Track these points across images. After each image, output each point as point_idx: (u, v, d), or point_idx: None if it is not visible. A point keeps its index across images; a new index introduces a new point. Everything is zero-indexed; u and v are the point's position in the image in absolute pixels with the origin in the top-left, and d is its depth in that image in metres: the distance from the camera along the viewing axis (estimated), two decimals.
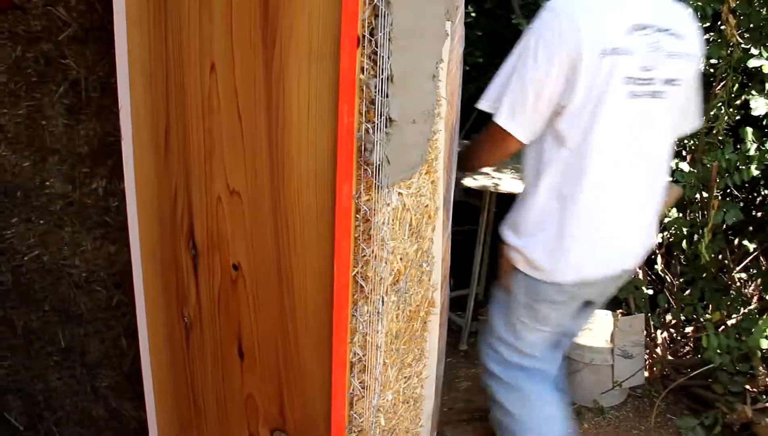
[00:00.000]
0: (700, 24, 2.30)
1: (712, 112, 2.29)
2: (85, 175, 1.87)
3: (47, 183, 1.94)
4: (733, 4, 2.11)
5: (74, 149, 1.87)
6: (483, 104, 1.66)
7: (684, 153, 2.60)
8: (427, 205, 1.51)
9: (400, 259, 1.34)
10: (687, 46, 1.62)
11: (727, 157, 2.13)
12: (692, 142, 2.41)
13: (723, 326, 2.39)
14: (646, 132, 1.62)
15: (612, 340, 2.54)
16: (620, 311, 2.66)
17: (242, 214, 1.20)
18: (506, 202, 1.99)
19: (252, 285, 1.23)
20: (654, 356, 2.67)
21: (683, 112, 1.72)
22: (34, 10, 1.81)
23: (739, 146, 2.27)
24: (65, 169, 1.90)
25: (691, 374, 2.41)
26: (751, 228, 2.69)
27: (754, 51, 2.22)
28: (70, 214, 1.93)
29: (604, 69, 1.49)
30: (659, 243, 2.66)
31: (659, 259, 2.69)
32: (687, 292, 2.55)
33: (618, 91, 1.53)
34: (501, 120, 1.60)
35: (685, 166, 2.41)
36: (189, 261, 1.28)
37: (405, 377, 1.56)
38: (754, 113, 2.24)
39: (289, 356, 1.24)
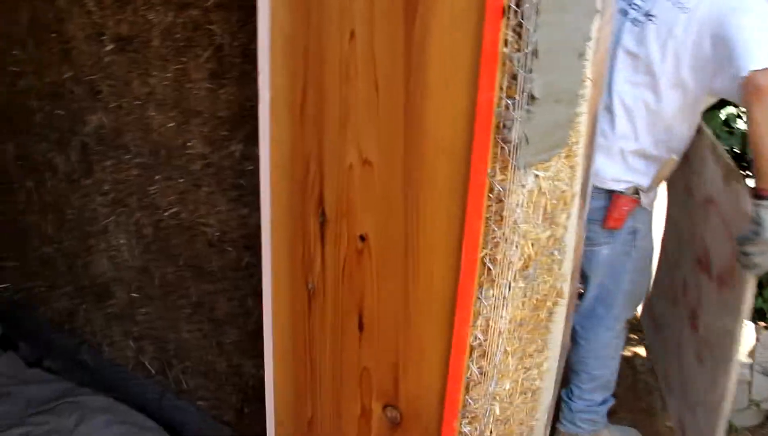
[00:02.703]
0: None
1: None
2: (223, 138, 1.93)
3: (189, 144, 2.02)
4: None
5: (215, 113, 1.93)
6: None
7: None
8: (564, 191, 1.43)
9: (532, 244, 1.28)
10: None
11: None
12: None
13: None
14: None
15: (752, 355, 2.33)
16: (763, 323, 2.44)
17: (373, 184, 1.19)
18: None
19: (377, 257, 1.22)
20: None
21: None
22: None
23: None
24: (206, 131, 1.97)
25: None
26: None
27: None
28: (208, 175, 2.01)
29: None
30: None
31: None
32: None
33: None
34: None
35: None
36: (317, 228, 1.29)
37: (525, 368, 1.50)
38: None
39: (409, 333, 1.23)
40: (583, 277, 2.14)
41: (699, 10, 1.83)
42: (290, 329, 1.40)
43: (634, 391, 2.71)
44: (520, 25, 1.05)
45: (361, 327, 1.29)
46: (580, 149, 1.51)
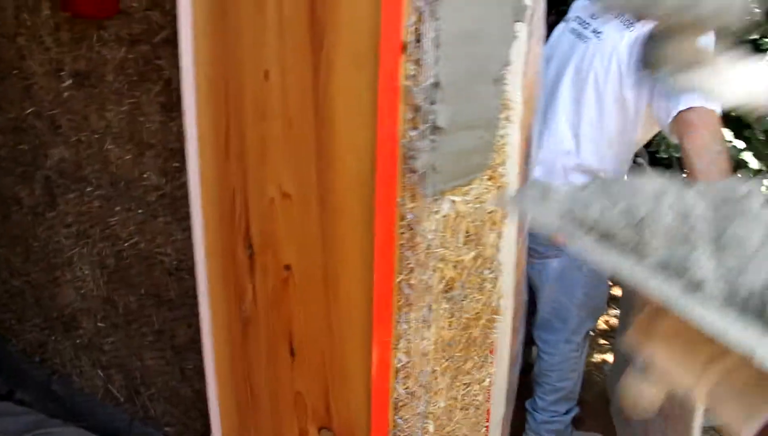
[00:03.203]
0: None
1: None
2: (176, 169, 1.98)
3: (144, 175, 2.07)
4: None
5: (167, 145, 1.98)
6: None
7: None
8: (491, 212, 1.47)
9: (454, 266, 1.32)
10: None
11: None
12: None
13: None
14: None
15: None
16: None
17: (293, 217, 1.23)
18: None
19: (301, 286, 1.26)
20: None
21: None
22: (136, 15, 1.94)
23: None
24: (159, 163, 2.02)
25: None
26: None
27: None
28: (164, 206, 2.05)
29: None
30: None
31: None
32: None
33: None
34: None
35: None
36: (246, 259, 1.33)
37: (464, 384, 1.53)
38: None
39: (335, 358, 1.26)
40: (536, 289, 2.18)
41: (644, 29, 1.88)
42: (229, 355, 1.44)
43: (604, 397, 2.74)
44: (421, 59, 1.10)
45: (292, 353, 1.32)
46: (508, 169, 1.56)
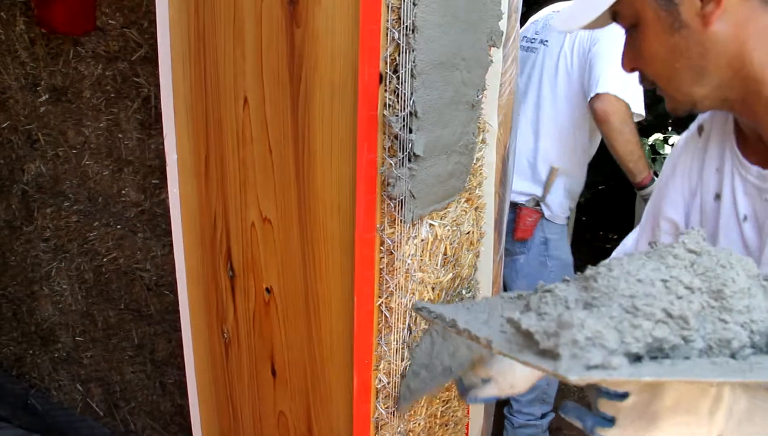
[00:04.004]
0: None
1: None
2: (155, 186, 1.98)
3: (123, 191, 2.07)
4: None
5: (146, 162, 1.99)
6: None
7: None
8: (468, 233, 1.50)
9: (432, 288, 1.34)
10: None
11: None
12: None
13: None
14: None
15: None
16: None
17: (273, 241, 1.25)
18: None
19: (283, 309, 1.28)
20: None
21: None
22: (113, 32, 1.94)
23: None
24: (138, 179, 2.02)
25: None
26: None
27: None
28: (143, 222, 2.06)
29: None
30: None
31: None
32: None
33: None
34: None
35: None
36: (227, 282, 1.34)
37: (443, 402, 1.56)
38: None
39: (317, 379, 1.28)
40: (508, 287, 2.25)
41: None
42: (211, 374, 1.45)
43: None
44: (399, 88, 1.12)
45: (274, 374, 1.34)
46: (485, 190, 1.59)
